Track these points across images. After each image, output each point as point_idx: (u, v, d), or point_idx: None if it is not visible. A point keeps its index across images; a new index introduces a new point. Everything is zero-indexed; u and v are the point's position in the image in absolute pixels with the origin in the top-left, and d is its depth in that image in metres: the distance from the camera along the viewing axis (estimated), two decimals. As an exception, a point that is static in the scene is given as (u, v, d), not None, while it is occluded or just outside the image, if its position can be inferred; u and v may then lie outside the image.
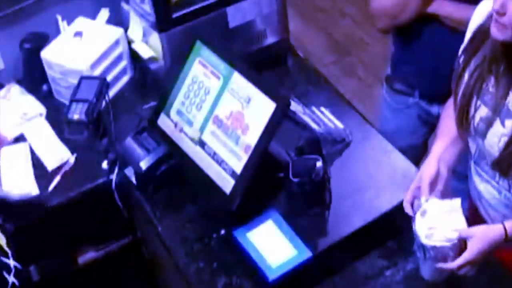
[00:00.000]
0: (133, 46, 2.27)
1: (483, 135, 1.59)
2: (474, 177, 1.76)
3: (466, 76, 1.60)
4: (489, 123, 1.56)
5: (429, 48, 2.09)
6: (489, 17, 1.48)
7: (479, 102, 1.58)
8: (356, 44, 3.95)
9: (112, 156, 2.04)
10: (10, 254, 1.57)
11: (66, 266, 2.19)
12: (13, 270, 1.56)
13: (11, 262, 1.57)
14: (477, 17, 1.62)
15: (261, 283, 1.68)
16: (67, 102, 2.01)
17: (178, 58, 1.95)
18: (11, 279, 1.55)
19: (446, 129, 1.75)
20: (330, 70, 3.73)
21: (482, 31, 1.54)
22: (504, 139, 1.54)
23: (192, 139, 1.85)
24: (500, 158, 1.57)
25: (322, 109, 2.05)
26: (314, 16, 4.15)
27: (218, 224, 1.83)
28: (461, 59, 1.62)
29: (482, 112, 1.57)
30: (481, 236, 1.57)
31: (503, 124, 1.54)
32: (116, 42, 2.26)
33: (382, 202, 1.78)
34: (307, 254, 1.69)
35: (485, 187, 1.72)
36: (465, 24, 1.95)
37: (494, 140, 1.57)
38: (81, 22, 2.32)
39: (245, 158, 1.72)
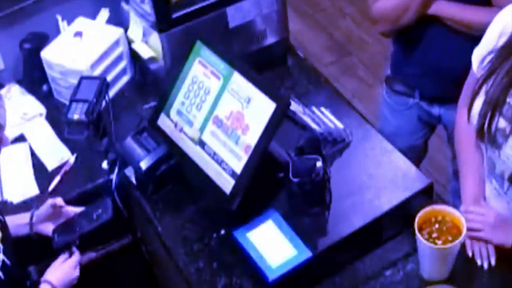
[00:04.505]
0: (133, 46, 2.27)
1: (499, 147, 1.57)
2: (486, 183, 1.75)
3: (492, 82, 1.54)
4: (505, 136, 1.54)
5: (430, 48, 2.09)
6: None
7: (497, 114, 1.55)
8: (356, 44, 3.95)
9: (112, 156, 2.04)
10: (1, 249, 1.58)
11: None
12: (0, 263, 1.56)
13: (0, 256, 1.58)
14: (501, 25, 1.57)
15: (261, 283, 1.68)
16: (67, 102, 2.00)
17: (178, 58, 1.95)
18: None
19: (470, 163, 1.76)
20: (330, 70, 3.72)
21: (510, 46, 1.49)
22: None
23: (192, 139, 1.85)
24: None
25: (322, 109, 2.05)
26: (314, 16, 4.15)
27: (218, 224, 1.83)
28: (485, 69, 1.56)
29: (500, 123, 1.55)
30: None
31: None
32: (116, 42, 2.26)
33: (382, 202, 1.78)
34: (307, 254, 1.68)
35: (492, 192, 1.72)
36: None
37: (510, 153, 1.55)
38: (81, 22, 2.32)
39: (245, 158, 1.71)
